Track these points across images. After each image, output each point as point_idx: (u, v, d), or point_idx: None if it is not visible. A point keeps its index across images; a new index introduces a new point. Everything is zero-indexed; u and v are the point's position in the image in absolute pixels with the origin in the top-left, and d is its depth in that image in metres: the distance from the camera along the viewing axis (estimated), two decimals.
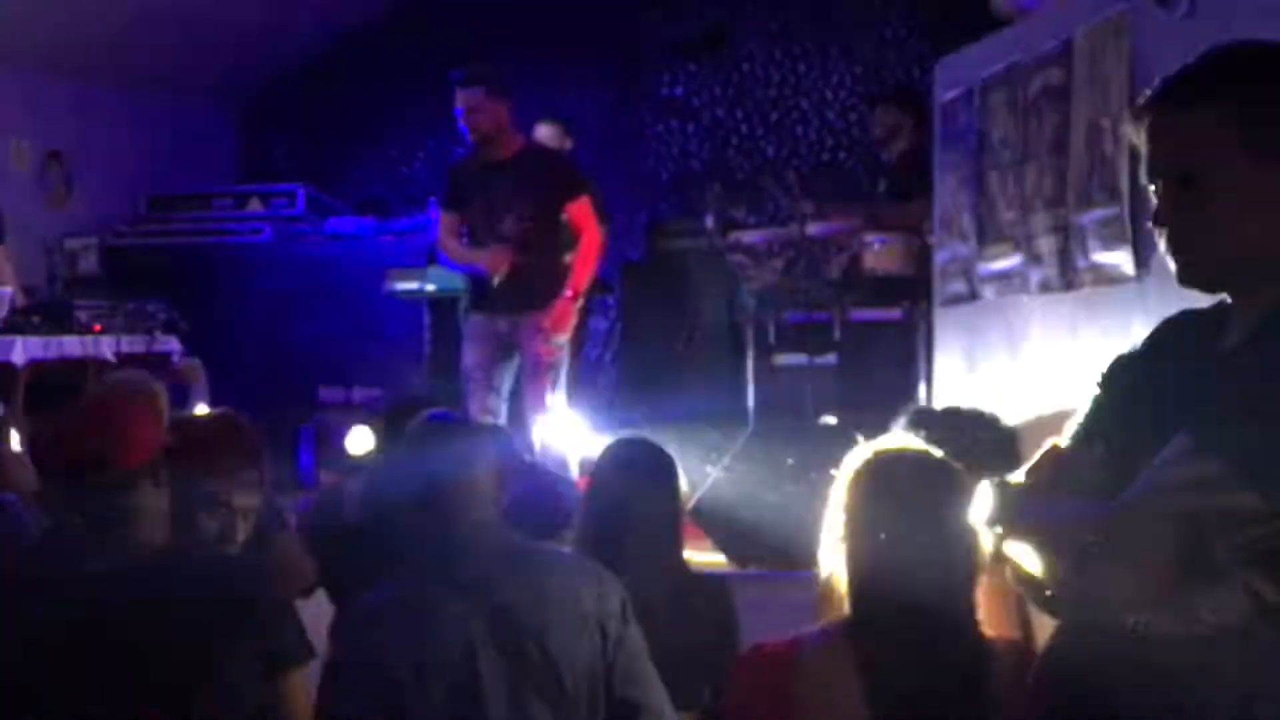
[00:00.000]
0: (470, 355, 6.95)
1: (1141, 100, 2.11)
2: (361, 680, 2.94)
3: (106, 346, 7.77)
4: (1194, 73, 2.07)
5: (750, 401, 7.55)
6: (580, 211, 6.89)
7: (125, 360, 7.72)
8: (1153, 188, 2.11)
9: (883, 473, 2.60)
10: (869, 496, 2.58)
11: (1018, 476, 2.16)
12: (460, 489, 3.11)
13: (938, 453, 2.65)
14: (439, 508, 3.09)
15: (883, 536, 2.53)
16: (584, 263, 6.87)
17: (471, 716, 2.92)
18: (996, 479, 2.14)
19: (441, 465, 3.12)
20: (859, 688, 2.48)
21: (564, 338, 6.84)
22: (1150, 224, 2.12)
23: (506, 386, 6.90)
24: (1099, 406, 2.18)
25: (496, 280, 6.76)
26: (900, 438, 2.82)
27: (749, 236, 7.86)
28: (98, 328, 7.87)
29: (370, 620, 3.03)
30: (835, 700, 2.49)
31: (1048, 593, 2.06)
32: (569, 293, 6.77)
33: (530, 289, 6.74)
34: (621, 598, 3.11)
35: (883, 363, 7.71)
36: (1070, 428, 2.18)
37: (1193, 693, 1.94)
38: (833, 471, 2.68)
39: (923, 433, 3.04)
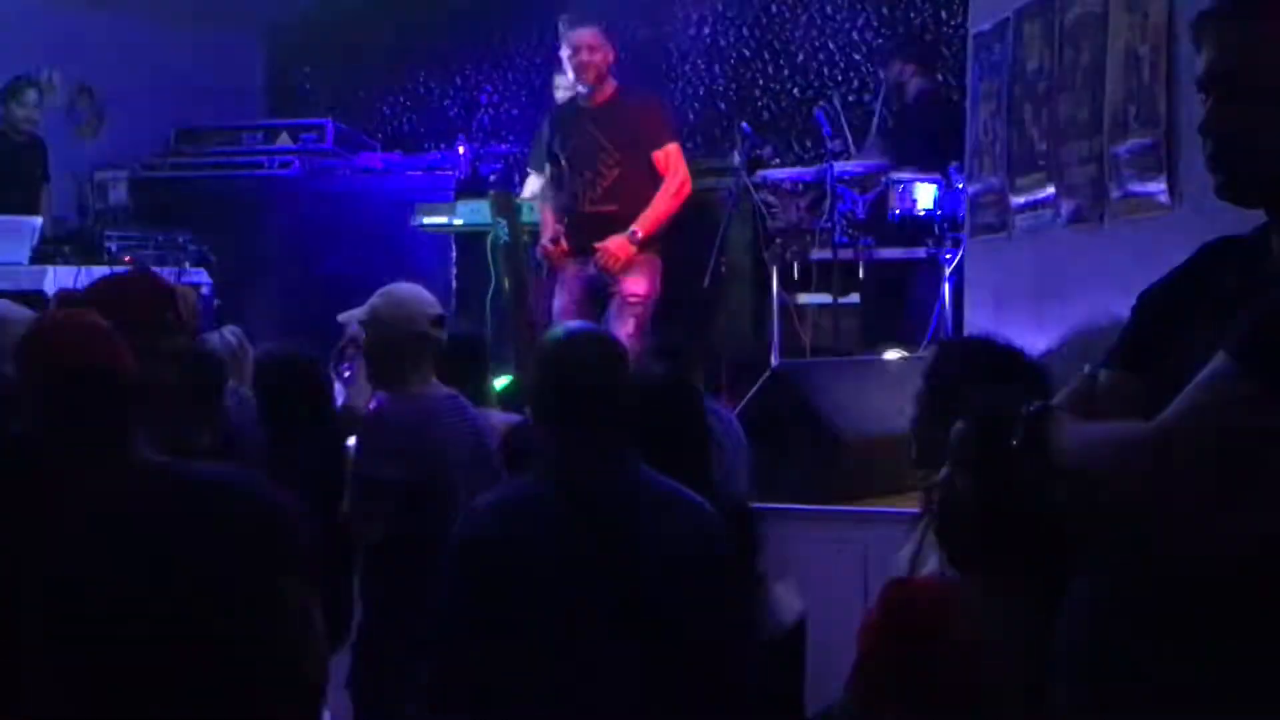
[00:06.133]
0: (560, 299, 7.07)
1: (1206, 7, 2.12)
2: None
3: None
4: None
5: (774, 340, 7.58)
6: (667, 158, 6.97)
7: None
8: (1204, 97, 2.11)
9: None
10: None
11: (1053, 403, 2.14)
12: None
13: None
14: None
15: None
16: (657, 203, 6.97)
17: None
18: (1032, 406, 2.12)
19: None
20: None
21: (614, 273, 6.89)
22: (1199, 134, 2.10)
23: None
24: (1135, 331, 2.18)
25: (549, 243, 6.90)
26: None
27: (775, 175, 7.88)
28: (127, 259, 7.93)
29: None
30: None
31: (1084, 516, 2.06)
32: (633, 230, 6.85)
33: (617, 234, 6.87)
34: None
35: (906, 302, 7.76)
36: (1106, 354, 2.18)
37: (1232, 612, 1.96)
38: None
39: (950, 365, 3.07)
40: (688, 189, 7.16)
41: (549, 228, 7.20)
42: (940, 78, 8.15)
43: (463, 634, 3.12)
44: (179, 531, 2.78)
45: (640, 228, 6.89)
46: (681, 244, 8.62)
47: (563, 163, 7.11)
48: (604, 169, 6.92)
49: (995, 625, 2.49)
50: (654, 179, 7.05)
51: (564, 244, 6.93)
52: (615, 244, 6.83)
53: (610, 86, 7.04)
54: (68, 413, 2.81)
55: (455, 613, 3.12)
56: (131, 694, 2.71)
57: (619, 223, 6.88)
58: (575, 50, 6.90)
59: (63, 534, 2.76)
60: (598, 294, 7.01)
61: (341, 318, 4.67)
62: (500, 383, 6.09)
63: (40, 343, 2.92)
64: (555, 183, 7.25)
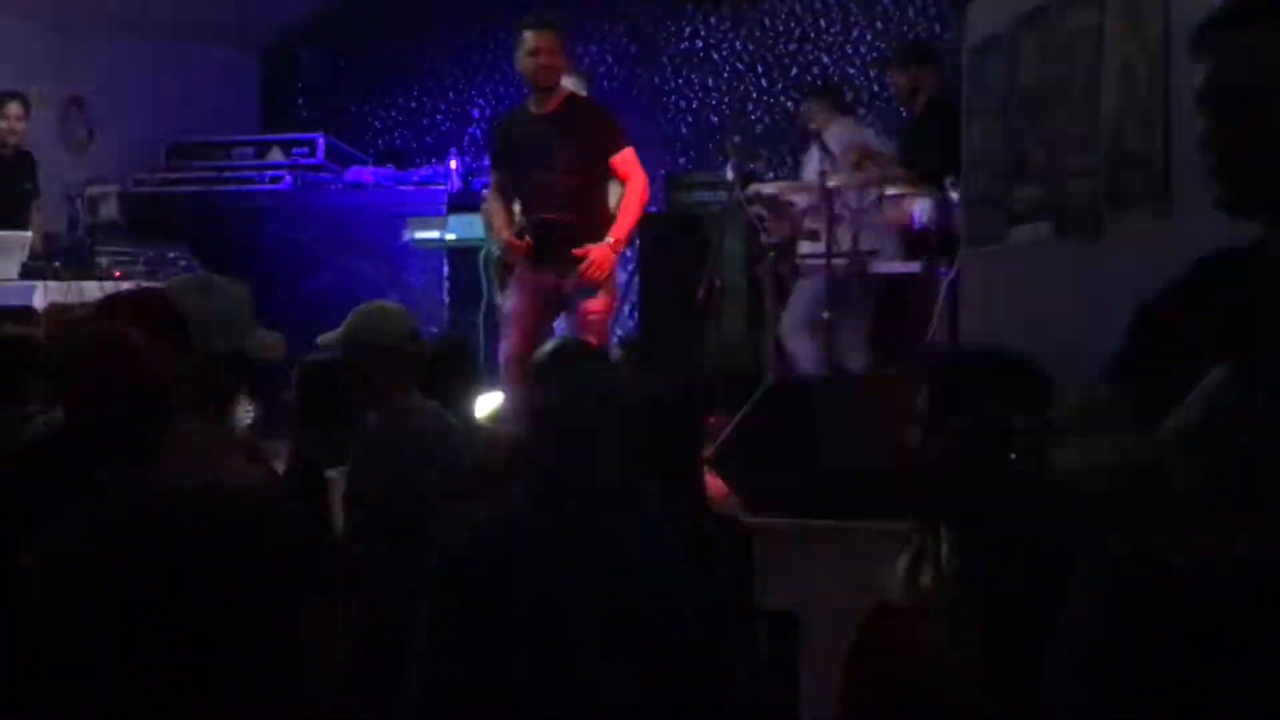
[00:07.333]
0: (515, 300, 6.97)
1: (1207, 18, 2.10)
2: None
3: None
4: None
5: (770, 353, 7.58)
6: (625, 163, 6.93)
7: None
8: (1203, 109, 2.09)
9: None
10: None
11: (1053, 417, 2.15)
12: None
13: None
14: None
15: None
16: (627, 210, 6.91)
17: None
18: (1033, 420, 2.14)
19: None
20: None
21: (597, 284, 6.83)
22: (1199, 146, 2.10)
23: (548, 337, 6.86)
24: (1134, 345, 2.18)
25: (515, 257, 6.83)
26: None
27: (768, 189, 7.88)
28: (118, 274, 7.94)
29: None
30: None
31: (1085, 530, 2.06)
32: (610, 239, 6.79)
33: (576, 245, 6.77)
34: None
35: (902, 316, 7.74)
36: (1104, 368, 2.17)
37: (1234, 625, 1.95)
38: None
39: (949, 378, 3.04)
40: (648, 191, 7.12)
41: (505, 225, 7.06)
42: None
43: (448, 652, 3.09)
44: (199, 544, 2.77)
45: (618, 236, 6.85)
46: (675, 259, 8.63)
47: (513, 170, 7.04)
48: (560, 176, 6.86)
49: (974, 647, 2.47)
50: (606, 185, 7.01)
51: (530, 240, 6.83)
52: (599, 255, 6.77)
53: (561, 93, 6.99)
54: (98, 422, 2.80)
55: (440, 630, 3.09)
56: (141, 705, 2.69)
57: (577, 230, 6.80)
58: (535, 51, 6.84)
59: (86, 541, 2.75)
60: (551, 301, 6.94)
61: (321, 340, 4.64)
62: (492, 400, 6.05)
63: (73, 353, 2.92)
64: (502, 189, 7.16)
